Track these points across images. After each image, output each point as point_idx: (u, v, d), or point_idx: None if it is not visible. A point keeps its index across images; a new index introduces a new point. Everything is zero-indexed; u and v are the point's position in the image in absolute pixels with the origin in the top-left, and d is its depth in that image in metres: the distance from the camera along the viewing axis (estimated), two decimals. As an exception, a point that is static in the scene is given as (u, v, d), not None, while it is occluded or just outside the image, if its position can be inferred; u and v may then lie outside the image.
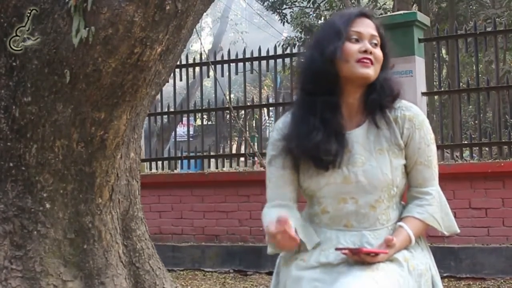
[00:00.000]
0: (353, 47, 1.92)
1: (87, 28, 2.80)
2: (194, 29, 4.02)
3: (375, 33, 1.96)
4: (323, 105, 1.94)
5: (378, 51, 1.94)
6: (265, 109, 8.45)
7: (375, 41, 1.95)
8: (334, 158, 1.91)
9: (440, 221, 1.98)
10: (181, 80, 7.53)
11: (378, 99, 1.95)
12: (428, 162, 1.97)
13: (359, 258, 1.82)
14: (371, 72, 1.91)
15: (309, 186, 1.98)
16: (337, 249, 1.88)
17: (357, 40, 1.93)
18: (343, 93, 1.96)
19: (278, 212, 1.91)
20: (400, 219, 1.97)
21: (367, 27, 1.96)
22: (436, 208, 1.97)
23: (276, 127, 2.06)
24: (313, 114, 1.95)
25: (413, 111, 1.98)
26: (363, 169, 1.92)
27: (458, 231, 2.04)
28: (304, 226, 1.98)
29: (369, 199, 1.92)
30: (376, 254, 1.82)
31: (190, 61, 7.54)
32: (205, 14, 4.13)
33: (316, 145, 1.91)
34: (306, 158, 1.95)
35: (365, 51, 1.91)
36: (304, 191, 2.02)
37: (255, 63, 7.23)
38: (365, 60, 1.91)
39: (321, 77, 1.95)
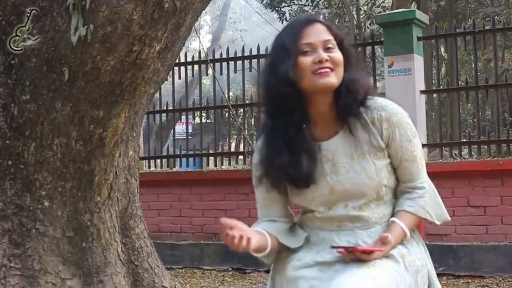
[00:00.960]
0: (306, 61, 1.85)
1: (85, 26, 2.80)
2: (193, 27, 4.01)
3: (328, 37, 1.89)
4: (285, 126, 1.91)
5: (335, 54, 1.87)
6: (264, 107, 8.42)
7: (329, 45, 1.88)
8: (307, 175, 1.89)
9: (432, 212, 1.97)
10: (179, 78, 7.53)
11: (346, 105, 1.89)
12: (413, 157, 1.95)
13: (355, 257, 1.83)
14: (332, 79, 1.85)
15: (298, 202, 1.99)
16: (332, 247, 1.88)
17: (310, 52, 1.86)
18: (312, 104, 1.92)
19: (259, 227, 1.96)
20: (392, 214, 1.97)
21: (317, 34, 1.88)
22: (427, 200, 1.96)
23: (256, 148, 2.04)
24: (276, 137, 1.92)
25: (389, 110, 1.92)
26: (348, 177, 1.90)
27: (449, 218, 2.04)
28: (288, 232, 2.00)
29: (359, 202, 1.92)
30: (371, 252, 1.82)
31: (189, 59, 7.53)
32: (204, 12, 4.12)
33: (282, 168, 1.90)
34: (283, 180, 1.94)
35: (320, 61, 1.85)
36: (296, 204, 2.02)
37: (254, 61, 7.22)
38: (322, 70, 1.85)
39: (280, 99, 1.89)
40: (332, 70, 1.86)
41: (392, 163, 1.95)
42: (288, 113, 1.90)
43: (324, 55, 1.85)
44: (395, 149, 1.93)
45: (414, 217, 1.95)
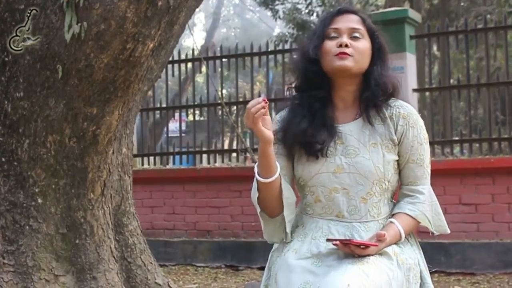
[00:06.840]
0: (330, 44, 2.00)
1: (79, 24, 2.80)
2: (187, 25, 4.02)
3: (357, 26, 2.03)
4: (311, 99, 2.03)
5: (358, 43, 2.01)
6: (257, 105, 8.42)
7: (356, 34, 2.02)
8: (322, 146, 1.98)
9: (431, 220, 2.02)
10: (173, 76, 7.53)
11: (372, 98, 2.00)
12: (420, 161, 2.01)
13: (349, 250, 1.85)
14: (348, 63, 1.98)
15: (301, 174, 2.02)
16: (328, 240, 1.90)
17: (335, 37, 2.01)
18: (334, 87, 2.04)
19: None
20: (391, 215, 2.00)
21: (346, 22, 2.03)
22: (427, 207, 2.01)
23: (278, 117, 2.13)
24: (301, 107, 2.05)
25: (407, 110, 2.03)
26: (356, 160, 1.96)
27: (448, 231, 2.08)
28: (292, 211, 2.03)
29: (361, 191, 1.96)
30: (366, 246, 1.84)
31: (183, 57, 7.54)
32: (197, 9, 4.13)
33: (304, 132, 1.99)
34: (297, 145, 2.01)
35: (341, 45, 1.98)
36: (298, 180, 2.06)
37: (247, 59, 7.24)
38: (340, 54, 1.97)
39: (306, 75, 2.05)
40: (351, 56, 1.98)
41: (399, 162, 2.01)
42: (314, 89, 2.03)
43: (346, 40, 1.99)
44: (405, 147, 2.00)
45: (412, 221, 1.99)
